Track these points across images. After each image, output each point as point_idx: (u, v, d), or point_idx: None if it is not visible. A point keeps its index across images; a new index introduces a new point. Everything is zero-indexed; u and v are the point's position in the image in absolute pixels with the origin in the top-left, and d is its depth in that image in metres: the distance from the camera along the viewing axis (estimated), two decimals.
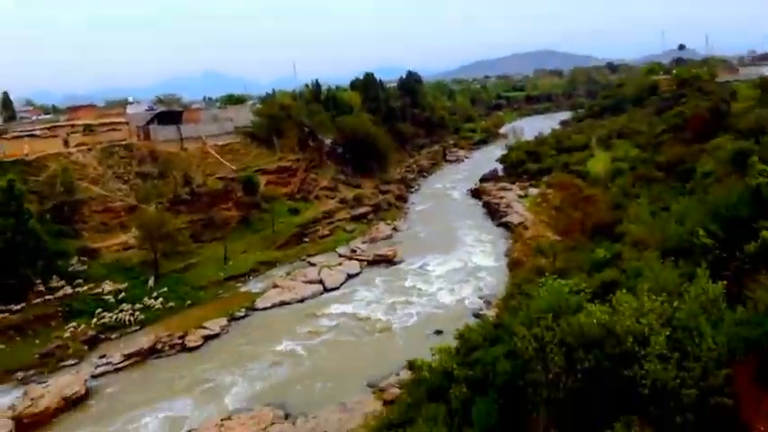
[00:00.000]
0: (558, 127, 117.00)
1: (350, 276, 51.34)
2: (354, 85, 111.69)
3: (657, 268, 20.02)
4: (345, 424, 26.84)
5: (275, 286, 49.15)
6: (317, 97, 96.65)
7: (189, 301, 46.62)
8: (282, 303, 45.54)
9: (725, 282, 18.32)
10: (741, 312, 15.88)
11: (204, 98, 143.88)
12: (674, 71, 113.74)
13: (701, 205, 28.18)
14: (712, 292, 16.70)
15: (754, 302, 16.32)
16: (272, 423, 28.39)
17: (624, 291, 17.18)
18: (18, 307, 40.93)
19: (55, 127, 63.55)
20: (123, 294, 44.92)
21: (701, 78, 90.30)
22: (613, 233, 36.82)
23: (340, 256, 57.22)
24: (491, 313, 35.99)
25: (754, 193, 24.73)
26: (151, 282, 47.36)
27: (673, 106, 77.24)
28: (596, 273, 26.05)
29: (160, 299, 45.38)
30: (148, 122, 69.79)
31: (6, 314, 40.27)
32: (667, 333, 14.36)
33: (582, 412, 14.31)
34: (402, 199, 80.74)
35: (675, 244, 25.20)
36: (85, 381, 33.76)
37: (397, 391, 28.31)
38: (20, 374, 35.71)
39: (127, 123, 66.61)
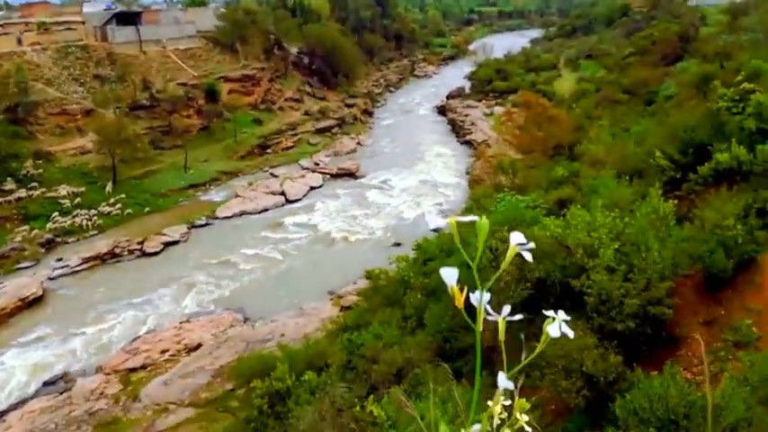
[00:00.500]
0: (528, 45, 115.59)
1: (312, 189, 51.28)
2: None
3: (612, 186, 20.50)
4: (303, 328, 27.56)
5: (237, 196, 48.86)
6: (284, 4, 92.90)
7: (148, 208, 46.12)
8: (244, 213, 45.44)
9: (676, 201, 18.91)
10: (688, 229, 16.50)
11: None
12: None
13: (661, 127, 28.60)
14: (662, 209, 17.24)
15: (701, 221, 16.94)
16: (231, 326, 28.99)
17: (578, 206, 17.61)
18: None
19: (7, 24, 59.96)
20: (79, 199, 44.13)
21: (673, 1, 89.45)
22: (573, 153, 37.31)
23: (303, 168, 56.85)
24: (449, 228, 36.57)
25: (713, 116, 25.14)
26: (109, 187, 46.49)
27: (643, 28, 76.75)
28: (553, 190, 26.53)
29: (118, 204, 44.75)
30: (106, 23, 66.22)
31: None
32: (616, 247, 14.87)
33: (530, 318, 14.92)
34: (368, 113, 79.69)
35: (632, 164, 25.70)
36: (42, 282, 33.68)
37: (354, 298, 29.02)
38: None
39: (83, 23, 63.21)
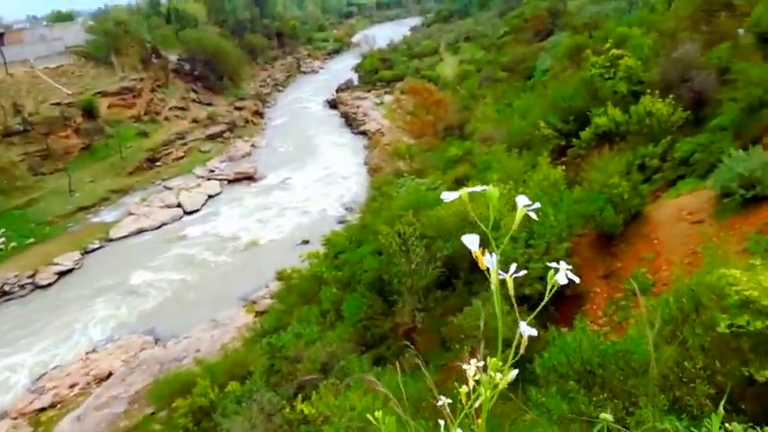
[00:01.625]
0: (409, 33, 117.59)
1: (210, 197, 49.89)
2: None
3: (504, 160, 21.35)
4: (219, 339, 26.90)
5: (130, 214, 46.69)
6: (157, 11, 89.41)
7: (35, 239, 43.19)
8: (140, 231, 43.55)
9: (563, 167, 19.98)
10: (578, 192, 17.50)
11: (27, 17, 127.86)
12: None
13: (542, 99, 30.05)
14: (552, 176, 18.19)
15: (589, 182, 18.03)
16: (142, 349, 27.82)
17: (476, 182, 18.24)
18: None
19: None
20: None
21: None
22: (463, 133, 38.50)
23: (198, 177, 55.16)
24: (355, 219, 36.86)
25: (587, 84, 26.68)
26: None
27: (515, 7, 79.98)
28: (450, 170, 27.29)
29: (1, 239, 41.68)
30: None
31: None
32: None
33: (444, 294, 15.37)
34: (258, 114, 78.38)
35: (519, 137, 26.88)
36: None
37: (268, 302, 28.64)
38: None
39: None
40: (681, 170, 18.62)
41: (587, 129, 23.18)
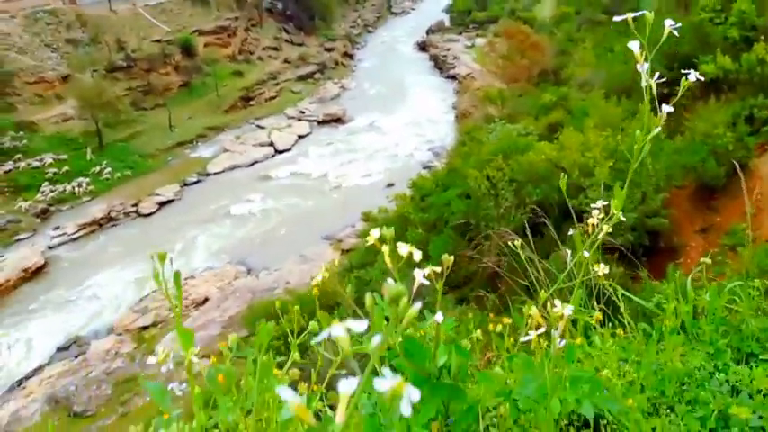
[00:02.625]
0: None
1: (300, 137, 51.03)
2: None
3: (602, 106, 20.62)
4: (307, 273, 28.02)
5: (225, 150, 48.62)
6: None
7: (138, 170, 45.91)
8: (234, 167, 45.32)
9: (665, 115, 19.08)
10: (679, 142, 16.79)
11: None
12: None
13: (645, 44, 28.48)
14: (652, 124, 17.46)
15: (691, 132, 17.22)
16: (236, 278, 29.43)
17: (571, 129, 17.80)
18: None
19: None
20: (67, 167, 43.79)
21: None
22: (559, 78, 37.19)
23: (289, 117, 56.36)
24: (442, 164, 36.81)
25: (696, 28, 25.05)
26: (89, 153, 45.80)
27: None
28: (543, 116, 26.63)
29: (108, 168, 44.48)
30: None
31: None
32: (610, 165, 15.16)
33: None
34: (348, 56, 78.39)
35: (619, 84, 25.75)
36: (42, 252, 33.87)
37: (354, 241, 29.41)
38: None
39: None
40: None
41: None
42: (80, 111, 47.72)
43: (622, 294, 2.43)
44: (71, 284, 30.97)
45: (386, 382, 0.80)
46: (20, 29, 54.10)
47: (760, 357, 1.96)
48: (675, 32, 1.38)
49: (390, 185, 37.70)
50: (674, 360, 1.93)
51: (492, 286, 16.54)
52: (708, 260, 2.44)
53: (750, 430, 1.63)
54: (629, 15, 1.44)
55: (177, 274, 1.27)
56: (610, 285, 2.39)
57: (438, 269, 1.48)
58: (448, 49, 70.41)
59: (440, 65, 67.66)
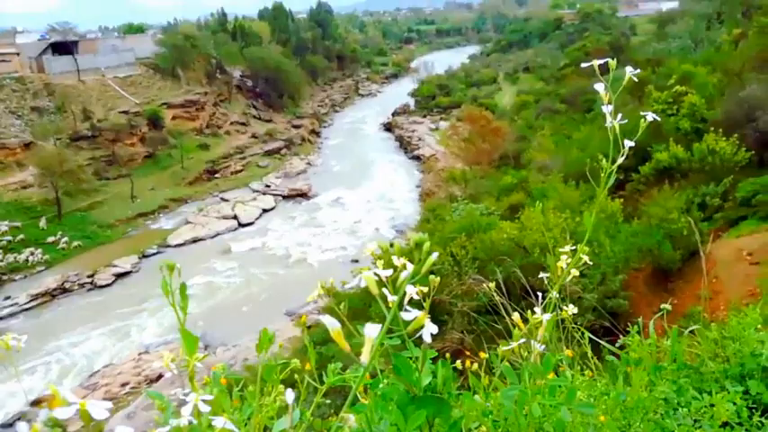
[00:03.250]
0: (467, 61, 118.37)
1: (265, 211, 51.13)
2: (263, 15, 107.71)
3: (561, 189, 21.36)
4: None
5: (188, 222, 48.25)
6: (224, 27, 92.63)
7: (96, 240, 45.08)
8: (196, 239, 44.91)
9: (622, 200, 19.87)
10: (636, 225, 17.41)
11: (100, 27, 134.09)
12: (578, 5, 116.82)
13: (601, 132, 29.89)
14: (610, 208, 18.15)
15: (647, 216, 17.92)
16: None
17: (531, 210, 18.33)
18: None
19: None
20: (23, 235, 42.75)
21: (603, 13, 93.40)
22: (519, 162, 38.52)
23: (254, 191, 56.61)
24: (406, 241, 37.10)
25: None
26: (43, 223, 44.68)
27: (576, 40, 79.86)
28: (505, 197, 27.37)
29: (65, 238, 43.56)
30: (42, 53, 64.67)
31: None
32: (570, 245, 15.58)
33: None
34: (315, 133, 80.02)
35: (577, 168, 26.79)
36: None
37: (317, 316, 29.05)
38: None
39: (18, 54, 61.55)
40: (742, 211, 18.33)
41: (647, 164, 23.03)
42: (40, 179, 47.12)
43: (589, 339, 2.60)
44: (20, 358, 29.54)
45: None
46: None
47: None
48: (651, 117, 1.58)
49: (355, 261, 37.72)
50: (639, 392, 2.09)
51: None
52: (668, 306, 2.58)
53: None
54: (595, 63, 1.63)
55: (183, 286, 1.35)
56: (578, 330, 2.57)
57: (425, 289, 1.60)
58: (413, 131, 72.46)
59: (405, 145, 69.42)
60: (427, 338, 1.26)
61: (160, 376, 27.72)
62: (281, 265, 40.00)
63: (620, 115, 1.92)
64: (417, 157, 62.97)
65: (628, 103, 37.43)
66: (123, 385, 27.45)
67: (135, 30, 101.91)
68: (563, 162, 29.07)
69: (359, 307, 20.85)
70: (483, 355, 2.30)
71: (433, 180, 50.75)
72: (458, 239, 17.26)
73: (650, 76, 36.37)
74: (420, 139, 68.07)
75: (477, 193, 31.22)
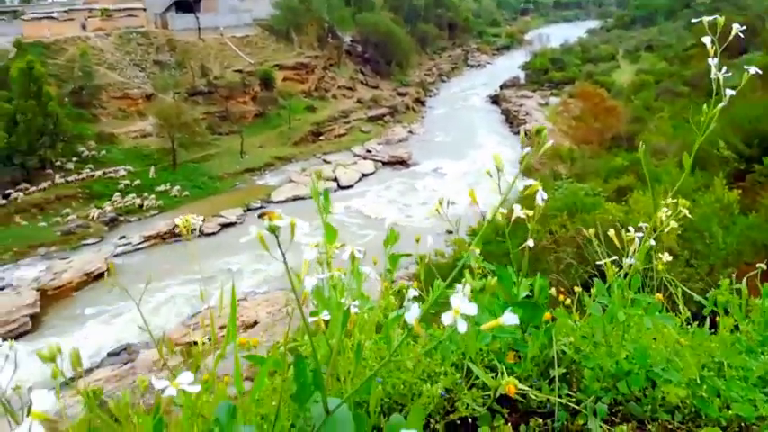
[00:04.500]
0: (585, 36, 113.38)
1: (364, 176, 51.78)
2: None
3: (675, 174, 20.15)
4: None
5: (290, 181, 49.76)
6: None
7: (206, 191, 47.51)
8: (297, 198, 46.21)
9: (740, 191, 18.50)
10: (753, 218, 16.17)
11: None
12: None
13: (725, 118, 27.84)
14: (726, 198, 16.93)
15: (766, 210, 16.59)
16: (286, 305, 29.67)
17: (641, 193, 17.44)
18: (39, 187, 41.90)
19: (72, 10, 62.33)
20: (139, 180, 45.72)
21: None
22: (632, 145, 36.63)
23: (355, 155, 57.39)
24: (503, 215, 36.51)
25: None
26: (152, 172, 47.34)
27: None
28: (613, 179, 26.20)
29: (177, 186, 46.15)
30: (166, 10, 68.10)
31: (28, 193, 41.32)
32: (678, 232, 14.73)
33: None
34: (420, 102, 79.67)
35: (695, 155, 25.15)
36: (106, 258, 35.14)
37: (406, 282, 29.30)
38: (42, 250, 37.05)
39: (144, 10, 65.16)
40: None
41: None
42: (159, 129, 50.04)
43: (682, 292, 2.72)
44: (131, 292, 31.84)
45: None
46: (113, 47, 57.57)
47: None
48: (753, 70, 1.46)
49: (449, 232, 37.58)
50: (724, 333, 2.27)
51: None
52: (764, 265, 2.69)
53: None
54: (704, 19, 1.46)
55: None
56: (671, 281, 2.67)
57: None
58: (521, 105, 70.61)
59: (511, 119, 67.80)
60: None
61: (255, 323, 29.04)
62: (377, 229, 40.48)
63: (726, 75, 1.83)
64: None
65: (757, 88, 34.67)
66: (221, 328, 28.83)
67: None
68: (680, 147, 27.34)
69: (449, 276, 20.77)
70: (577, 289, 2.51)
71: (537, 156, 49.39)
72: (558, 218, 16.72)
73: None
74: (528, 114, 66.24)
75: (583, 173, 30.06)
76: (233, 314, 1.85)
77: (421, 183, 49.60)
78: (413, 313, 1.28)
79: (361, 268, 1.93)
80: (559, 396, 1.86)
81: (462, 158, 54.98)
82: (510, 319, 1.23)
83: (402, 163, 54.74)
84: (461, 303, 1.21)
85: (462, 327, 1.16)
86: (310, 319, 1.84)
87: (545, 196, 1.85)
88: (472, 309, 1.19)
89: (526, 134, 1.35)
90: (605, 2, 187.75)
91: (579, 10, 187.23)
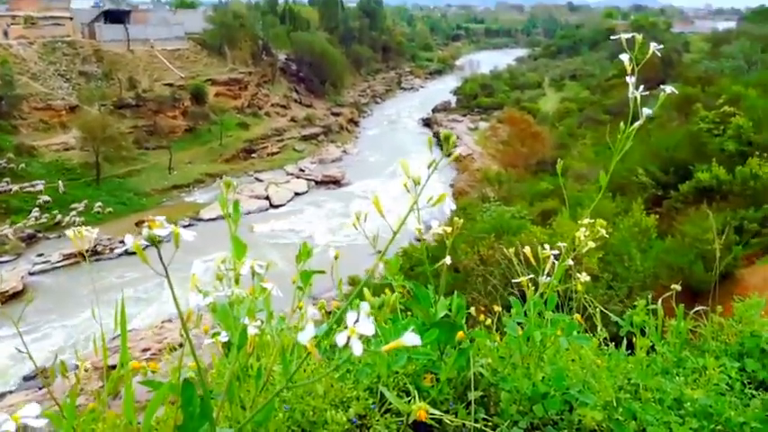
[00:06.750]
0: (514, 63, 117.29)
1: (297, 194, 51.52)
2: (313, 1, 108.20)
3: (596, 199, 21.03)
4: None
5: None
6: (274, 10, 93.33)
7: (131, 207, 45.97)
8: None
9: (657, 216, 19.49)
10: (669, 242, 17.07)
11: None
12: (632, 17, 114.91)
13: (643, 146, 29.34)
14: (644, 223, 17.81)
15: (681, 235, 17.55)
16: (214, 326, 28.99)
17: (565, 217, 18.09)
18: None
19: None
20: (60, 196, 43.79)
21: (657, 27, 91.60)
22: (556, 170, 38.02)
23: (288, 174, 57.04)
24: (433, 237, 37.04)
25: (694, 137, 25.95)
26: (61, 187, 45.23)
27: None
28: (538, 202, 27.09)
29: (100, 202, 44.47)
30: (94, 20, 66.06)
31: None
32: (599, 256, 15.34)
33: None
34: (354, 123, 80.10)
35: (615, 180, 26.34)
36: (22, 277, 33.41)
37: (338, 303, 29.18)
38: None
39: (71, 19, 62.99)
40: None
41: (687, 182, 22.55)
42: (82, 142, 48.23)
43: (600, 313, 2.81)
44: (45, 314, 30.35)
45: None
46: (36, 56, 55.31)
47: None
48: (669, 89, 1.55)
49: (380, 252, 37.79)
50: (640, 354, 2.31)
51: None
52: (677, 286, 2.78)
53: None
54: (622, 36, 1.59)
55: (236, 203, 1.61)
56: (590, 302, 2.75)
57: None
58: (452, 129, 71.63)
59: (442, 142, 68.98)
60: None
61: (181, 345, 28.12)
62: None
63: (642, 97, 1.98)
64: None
65: (674, 119, 36.76)
66: (144, 350, 27.94)
67: (186, 5, 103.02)
68: (601, 173, 28.60)
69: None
70: (496, 307, 2.55)
71: (467, 179, 50.51)
72: (486, 240, 17.12)
73: (699, 94, 35.60)
74: (458, 138, 67.71)
75: (510, 196, 30.94)
76: (123, 336, 1.76)
77: (353, 202, 49.67)
78: (307, 334, 1.21)
79: (266, 285, 1.80)
80: (475, 421, 1.82)
81: (394, 180, 55.45)
82: (411, 338, 1.15)
83: (335, 182, 54.79)
84: (357, 322, 1.12)
85: (358, 349, 1.08)
86: (208, 341, 1.80)
87: (453, 206, 1.91)
88: (368, 328, 1.10)
89: (457, 159, 1.39)
90: (533, 31, 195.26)
91: (509, 38, 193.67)
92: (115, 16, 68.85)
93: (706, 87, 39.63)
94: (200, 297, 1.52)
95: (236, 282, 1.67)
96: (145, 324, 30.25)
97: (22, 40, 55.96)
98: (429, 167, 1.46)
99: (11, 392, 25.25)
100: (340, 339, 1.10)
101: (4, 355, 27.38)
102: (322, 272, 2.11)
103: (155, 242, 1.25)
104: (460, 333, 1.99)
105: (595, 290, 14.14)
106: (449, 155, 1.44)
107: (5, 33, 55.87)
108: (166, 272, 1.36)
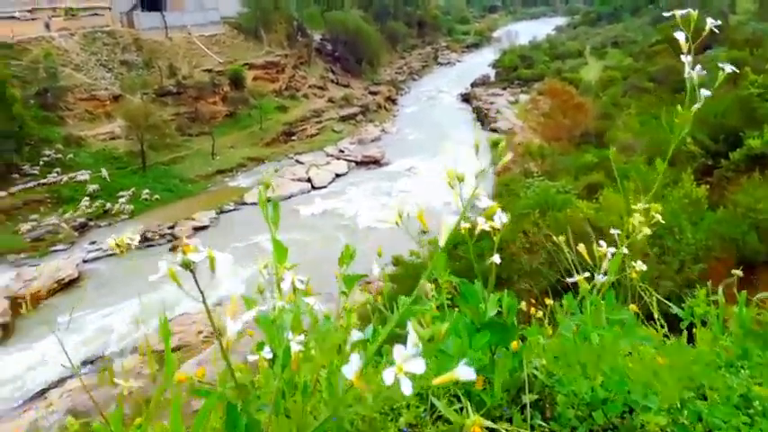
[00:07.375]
0: (553, 33, 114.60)
1: (337, 176, 51.68)
2: None
3: (644, 171, 20.49)
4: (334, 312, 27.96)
5: None
6: None
7: (178, 193, 46.94)
8: (269, 200, 45.82)
9: (708, 186, 18.93)
10: (721, 213, 16.58)
11: None
12: None
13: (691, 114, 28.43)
14: (695, 194, 17.32)
15: (734, 205, 17.02)
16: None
17: (611, 190, 17.74)
18: (5, 193, 40.98)
19: (35, 9, 60.94)
20: (109, 184, 44.92)
21: None
22: (601, 141, 37.17)
23: (328, 155, 57.22)
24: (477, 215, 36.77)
25: (743, 103, 25.01)
26: (104, 174, 46.14)
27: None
28: (583, 176, 26.58)
29: (148, 189, 45.50)
30: (132, 8, 66.99)
31: None
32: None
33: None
34: (391, 101, 79.71)
35: (662, 151, 25.63)
36: (77, 264, 34.55)
37: (380, 284, 29.32)
38: (11, 257, 36.26)
39: (109, 8, 64.00)
40: None
41: (738, 150, 21.79)
42: (127, 131, 49.25)
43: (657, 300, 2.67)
44: (101, 300, 31.39)
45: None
46: (78, 47, 56.48)
47: None
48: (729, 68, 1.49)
49: (423, 233, 37.69)
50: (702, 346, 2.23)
51: None
52: (739, 272, 2.64)
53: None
54: (677, 12, 1.54)
55: (276, 204, 1.60)
56: (645, 290, 2.62)
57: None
58: (491, 103, 71.12)
59: (482, 117, 68.23)
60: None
61: None
62: (350, 230, 40.47)
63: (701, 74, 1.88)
64: (494, 130, 61.80)
65: (722, 84, 35.44)
66: (198, 333, 28.72)
67: None
68: (648, 143, 27.85)
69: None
70: (548, 300, 2.49)
71: (508, 154, 49.87)
72: (530, 216, 16.93)
73: (747, 58, 34.22)
74: (498, 112, 66.79)
75: (554, 171, 30.42)
76: (167, 342, 1.63)
77: (395, 182, 49.68)
78: (352, 366, 1.15)
79: (309, 300, 1.77)
80: (531, 427, 1.75)
81: (435, 157, 55.15)
82: (466, 373, 1.09)
83: (375, 162, 54.76)
84: (406, 360, 1.04)
85: (407, 388, 1.02)
86: (252, 358, 1.77)
87: (504, 219, 1.87)
88: (419, 366, 1.03)
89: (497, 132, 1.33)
90: None
91: (546, 7, 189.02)
92: (152, 4, 69.61)
93: (754, 50, 38.09)
94: (237, 325, 1.44)
95: (278, 288, 1.63)
96: (197, 308, 30.98)
97: (63, 31, 57.17)
98: (476, 176, 1.45)
99: (70, 377, 26.24)
100: (387, 377, 1.04)
101: (65, 340, 28.45)
102: (364, 276, 2.07)
103: (189, 267, 1.24)
104: (514, 344, 1.93)
105: (646, 266, 13.88)
106: (497, 162, 1.48)
107: (47, 26, 57.11)
108: (203, 296, 1.38)
